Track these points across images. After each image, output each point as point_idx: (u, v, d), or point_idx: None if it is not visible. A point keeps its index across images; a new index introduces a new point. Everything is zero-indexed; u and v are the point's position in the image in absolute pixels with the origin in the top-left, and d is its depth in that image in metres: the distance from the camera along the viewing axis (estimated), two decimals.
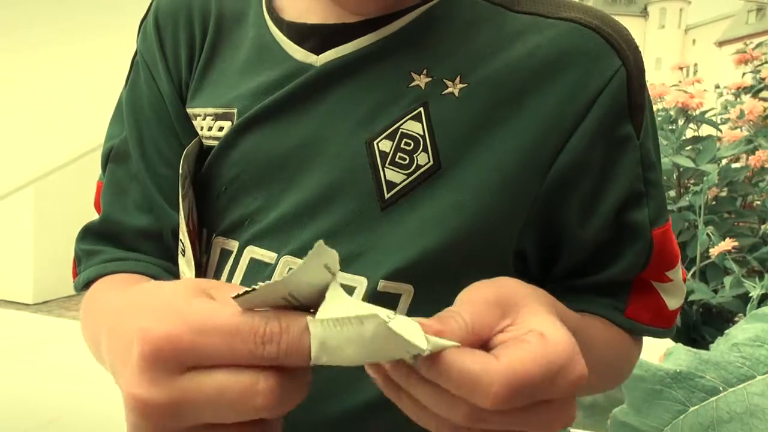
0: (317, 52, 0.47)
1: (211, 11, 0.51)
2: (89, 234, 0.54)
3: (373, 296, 0.43)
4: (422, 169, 0.43)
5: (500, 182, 0.43)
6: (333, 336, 0.27)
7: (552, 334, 0.31)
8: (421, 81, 0.44)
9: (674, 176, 2.04)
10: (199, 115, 0.50)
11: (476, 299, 0.32)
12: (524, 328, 0.31)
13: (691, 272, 1.84)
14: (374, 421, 0.43)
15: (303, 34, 0.48)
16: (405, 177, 0.43)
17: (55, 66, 4.68)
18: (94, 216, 0.55)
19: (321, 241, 0.27)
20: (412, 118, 0.43)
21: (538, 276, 0.48)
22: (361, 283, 0.43)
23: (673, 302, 0.50)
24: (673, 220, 1.89)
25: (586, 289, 0.48)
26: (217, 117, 0.49)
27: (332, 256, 0.27)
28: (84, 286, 0.52)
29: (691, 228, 1.96)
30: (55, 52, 4.63)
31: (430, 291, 0.36)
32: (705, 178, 1.83)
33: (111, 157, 0.54)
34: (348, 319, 0.27)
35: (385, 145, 0.44)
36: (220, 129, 0.48)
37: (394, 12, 0.46)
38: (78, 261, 0.54)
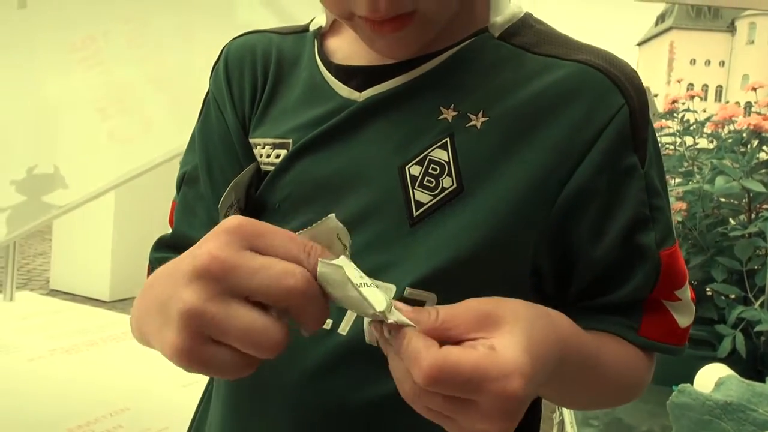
0: (360, 90, 0.54)
1: (272, 57, 0.60)
2: (162, 245, 0.62)
3: (401, 301, 0.48)
4: (447, 191, 0.49)
5: (515, 204, 0.48)
6: (331, 277, 0.36)
7: (504, 349, 0.35)
8: (448, 115, 0.51)
9: (744, 201, 1.96)
10: (259, 144, 0.58)
11: (463, 306, 0.38)
12: (488, 341, 0.36)
13: (759, 301, 1.77)
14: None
15: (348, 75, 0.56)
16: (431, 198, 0.49)
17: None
18: (168, 221, 0.64)
19: (332, 215, 0.37)
20: (439, 147, 0.50)
21: (553, 294, 0.53)
22: (390, 289, 0.49)
23: (683, 320, 0.53)
24: (742, 247, 1.81)
25: (600, 309, 0.52)
26: (275, 146, 0.57)
27: (343, 230, 0.39)
28: None
29: (761, 256, 1.88)
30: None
31: (452, 299, 0.40)
32: None
33: (184, 181, 0.63)
34: (342, 270, 0.36)
35: (415, 170, 0.50)
36: (277, 156, 0.56)
37: (427, 54, 0.53)
38: (151, 268, 0.62)
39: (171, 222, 0.64)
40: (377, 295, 0.36)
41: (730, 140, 2.01)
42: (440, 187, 0.49)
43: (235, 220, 0.37)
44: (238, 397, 0.56)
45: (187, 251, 0.39)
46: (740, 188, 1.94)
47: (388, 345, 0.37)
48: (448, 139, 0.50)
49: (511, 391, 0.34)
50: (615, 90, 0.50)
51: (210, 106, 0.64)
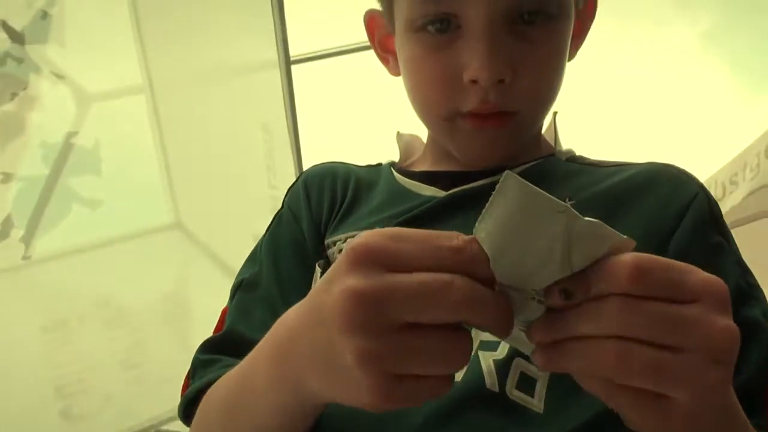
0: (445, 190, 0.57)
1: (351, 179, 0.64)
2: (208, 346, 0.57)
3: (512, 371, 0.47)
4: None
5: None
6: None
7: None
8: None
9: None
10: (339, 240, 0.58)
11: None
12: None
13: None
14: None
15: (433, 178, 0.60)
16: None
17: None
18: (214, 329, 0.60)
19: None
20: None
21: None
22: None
23: None
24: None
25: None
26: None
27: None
28: (189, 403, 0.53)
29: None
30: None
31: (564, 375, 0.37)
32: None
33: (240, 287, 0.60)
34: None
35: None
36: None
37: (507, 166, 0.56)
38: (193, 372, 0.56)
39: (219, 328, 0.60)
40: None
41: None
42: None
43: (360, 242, 0.32)
44: None
45: (313, 291, 0.36)
46: None
47: (560, 303, 0.32)
48: None
49: (727, 302, 0.31)
50: (689, 179, 0.55)
51: (282, 218, 0.64)
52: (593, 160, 0.62)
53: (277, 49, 1.65)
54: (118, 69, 2.37)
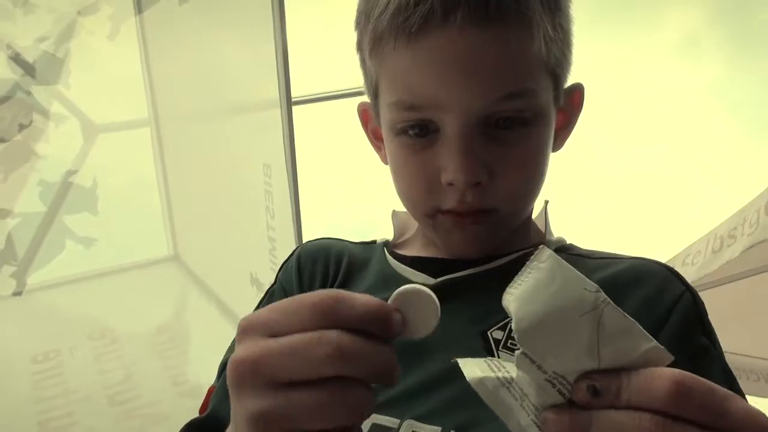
0: (435, 278, 0.58)
1: (344, 259, 0.65)
2: (193, 427, 0.57)
3: None
4: None
5: None
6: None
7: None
8: None
9: None
10: None
11: None
12: None
13: None
14: None
15: (423, 264, 0.61)
16: None
17: None
18: (199, 409, 0.59)
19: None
20: None
21: None
22: None
23: None
24: None
25: None
26: None
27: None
28: None
29: None
30: None
31: None
32: None
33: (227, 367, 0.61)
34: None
35: (498, 334, 0.52)
36: None
37: (495, 255, 0.59)
38: None
39: (204, 407, 0.60)
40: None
41: None
42: None
43: (246, 316, 0.35)
44: None
45: None
46: None
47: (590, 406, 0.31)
48: None
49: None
50: (673, 277, 0.54)
51: (273, 295, 0.65)
52: (583, 250, 0.62)
53: (279, 90, 1.68)
54: (125, 102, 2.42)
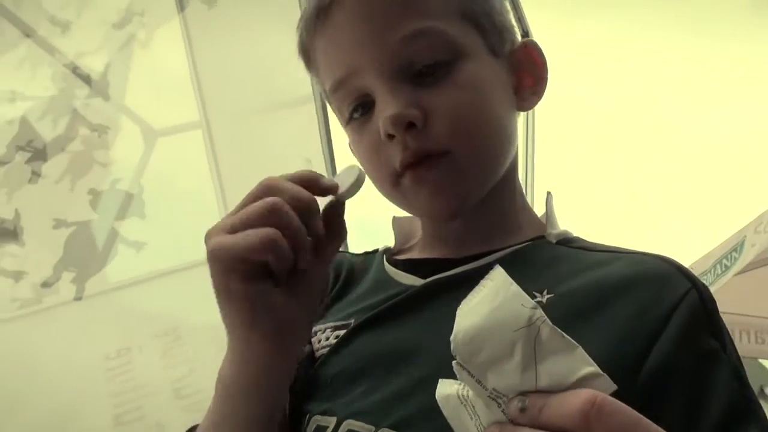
0: (425, 278, 0.57)
1: (344, 267, 0.66)
2: None
3: None
4: None
5: None
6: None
7: None
8: None
9: None
10: (320, 330, 0.60)
11: None
12: None
13: None
14: None
15: (414, 266, 0.60)
16: None
17: None
18: None
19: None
20: None
21: None
22: None
23: None
24: None
25: None
26: (336, 328, 0.59)
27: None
28: None
29: None
30: None
31: None
32: None
33: None
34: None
35: None
36: (336, 337, 0.57)
37: (489, 251, 0.57)
38: None
39: None
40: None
41: None
42: None
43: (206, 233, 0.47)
44: None
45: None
46: None
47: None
48: None
49: None
50: (679, 274, 0.49)
51: None
52: (585, 243, 0.58)
53: (312, 84, 1.68)
54: (178, 107, 2.50)
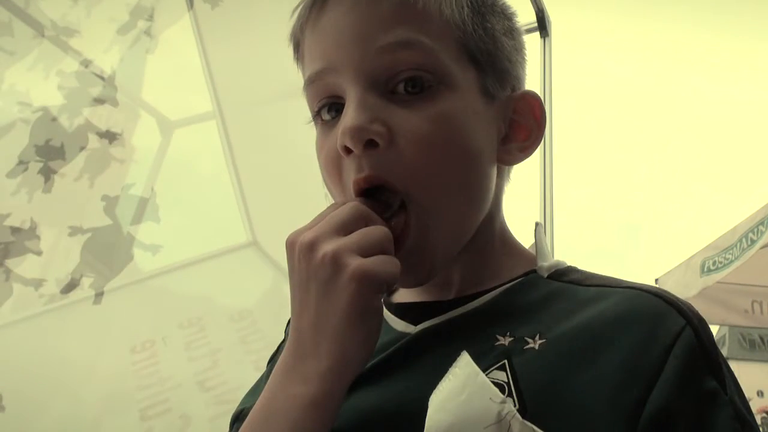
0: (415, 324, 0.55)
1: None
2: None
3: None
4: None
5: (586, 425, 0.44)
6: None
7: None
8: (505, 341, 0.50)
9: None
10: None
11: None
12: None
13: None
14: None
15: (404, 311, 0.58)
16: None
17: None
18: None
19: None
20: (497, 369, 0.47)
21: None
22: None
23: None
24: None
25: None
26: None
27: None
28: None
29: None
30: None
31: None
32: None
33: (239, 418, 0.60)
34: None
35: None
36: None
37: (479, 292, 0.55)
38: None
39: None
40: None
41: None
42: None
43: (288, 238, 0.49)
44: None
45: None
46: None
47: None
48: (506, 361, 0.47)
49: None
50: (672, 311, 0.48)
51: (280, 348, 0.66)
52: (578, 275, 0.56)
53: None
54: (191, 99, 2.51)
